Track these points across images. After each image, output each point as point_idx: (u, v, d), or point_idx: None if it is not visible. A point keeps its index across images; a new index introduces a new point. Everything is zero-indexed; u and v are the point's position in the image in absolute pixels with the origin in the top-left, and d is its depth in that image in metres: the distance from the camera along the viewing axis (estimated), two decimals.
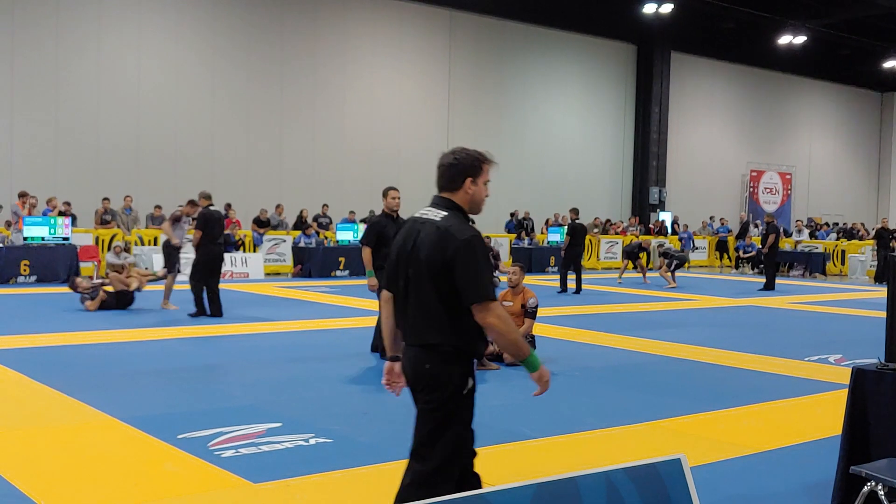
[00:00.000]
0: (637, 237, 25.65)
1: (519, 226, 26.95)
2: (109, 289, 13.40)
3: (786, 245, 28.91)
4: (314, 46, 25.88)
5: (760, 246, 21.39)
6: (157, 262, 17.08)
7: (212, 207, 12.88)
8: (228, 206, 21.47)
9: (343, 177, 26.31)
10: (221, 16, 24.29)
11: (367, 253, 9.43)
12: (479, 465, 5.51)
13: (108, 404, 6.81)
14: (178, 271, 13.97)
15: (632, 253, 21.72)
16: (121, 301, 13.35)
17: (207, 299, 12.67)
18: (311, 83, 25.83)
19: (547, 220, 27.39)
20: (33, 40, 21.54)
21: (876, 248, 25.45)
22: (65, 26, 21.90)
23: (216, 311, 12.65)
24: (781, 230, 28.43)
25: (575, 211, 19.02)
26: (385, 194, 9.65)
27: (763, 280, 20.64)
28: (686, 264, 22.76)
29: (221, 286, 13.20)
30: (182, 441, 5.83)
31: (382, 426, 6.50)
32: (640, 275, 21.51)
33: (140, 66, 23.06)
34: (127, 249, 19.24)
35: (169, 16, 23.43)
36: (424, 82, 28.33)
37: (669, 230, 30.69)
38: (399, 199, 9.65)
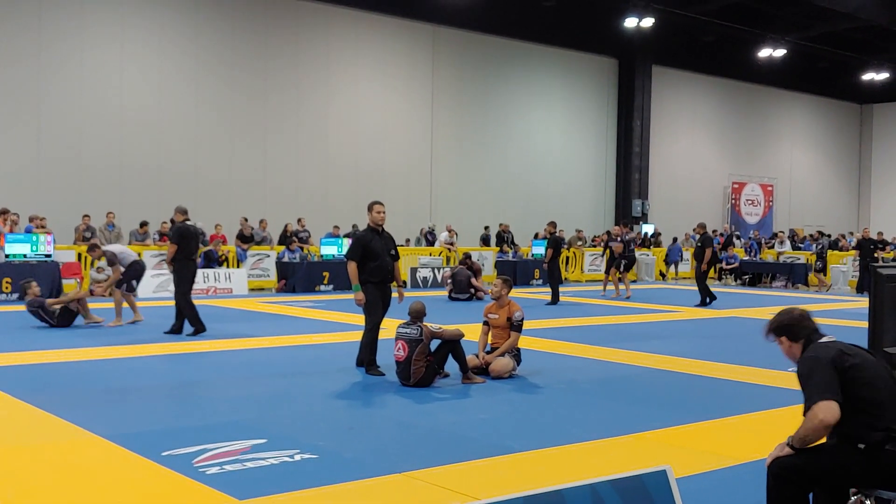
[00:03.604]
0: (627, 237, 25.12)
1: (500, 239, 26.96)
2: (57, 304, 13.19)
3: (768, 256, 29.08)
4: (297, 60, 25.91)
5: (697, 261, 19.35)
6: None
7: (188, 222, 12.63)
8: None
9: (327, 191, 26.30)
10: (204, 31, 24.29)
11: (352, 267, 9.41)
12: (465, 479, 5.51)
13: (90, 422, 6.76)
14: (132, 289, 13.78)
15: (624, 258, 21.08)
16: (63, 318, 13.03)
17: (175, 314, 12.33)
18: (294, 97, 25.85)
19: (536, 234, 27.43)
20: (15, 55, 21.46)
21: (858, 258, 25.62)
22: (47, 41, 21.84)
23: (177, 328, 12.31)
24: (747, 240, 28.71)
25: (553, 224, 19.48)
26: (370, 209, 9.65)
27: (747, 289, 20.74)
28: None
29: (205, 301, 13.09)
30: (166, 458, 5.79)
31: (368, 441, 6.48)
32: (616, 286, 20.85)
33: (123, 81, 23.00)
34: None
35: (152, 30, 23.40)
36: (408, 96, 28.39)
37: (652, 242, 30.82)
38: (384, 213, 9.66)
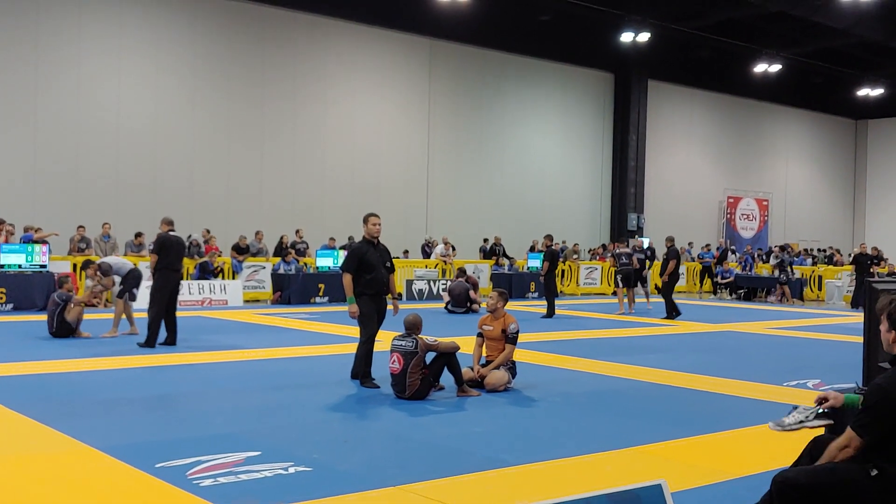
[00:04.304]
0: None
1: (491, 252, 26.97)
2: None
3: (763, 271, 29.12)
4: (294, 73, 25.97)
5: (660, 273, 19.18)
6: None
7: (171, 233, 12.53)
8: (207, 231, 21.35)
9: (323, 203, 26.31)
10: (201, 41, 24.34)
11: (347, 279, 9.40)
12: (460, 493, 5.50)
13: (84, 433, 6.73)
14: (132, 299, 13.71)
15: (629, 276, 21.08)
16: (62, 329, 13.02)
17: (165, 327, 12.28)
18: (291, 109, 25.89)
19: (532, 246, 27.47)
20: (12, 65, 21.48)
21: (854, 273, 25.68)
22: (44, 51, 21.86)
23: (171, 340, 12.28)
24: (728, 252, 28.57)
25: (550, 237, 19.44)
26: (365, 221, 9.65)
27: (742, 304, 20.63)
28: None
29: (200, 313, 13.04)
30: (160, 470, 5.77)
31: (362, 454, 6.46)
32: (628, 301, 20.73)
33: (119, 91, 23.03)
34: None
35: (149, 41, 23.45)
36: (404, 109, 28.45)
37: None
38: (379, 225, 9.65)
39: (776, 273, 26.63)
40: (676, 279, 19.16)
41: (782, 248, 30.59)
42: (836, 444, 3.99)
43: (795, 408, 4.45)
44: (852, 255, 28.70)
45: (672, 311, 18.65)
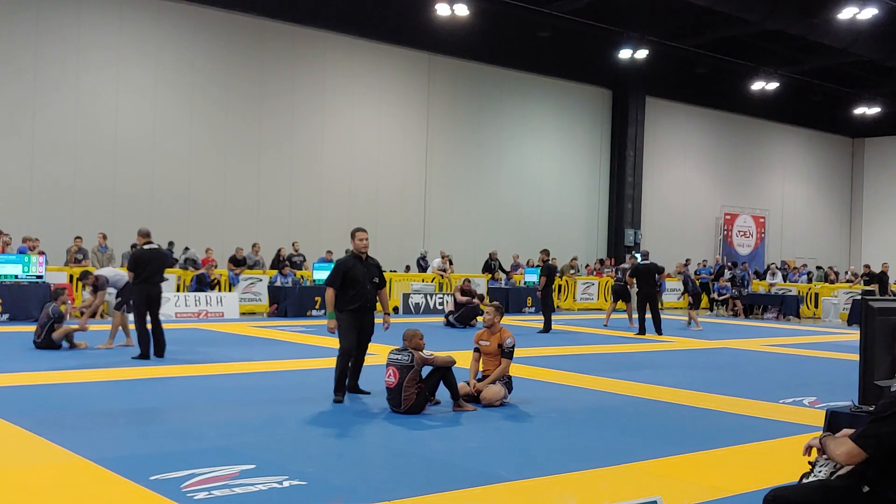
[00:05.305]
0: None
1: (487, 267, 26.95)
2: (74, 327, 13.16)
3: (760, 288, 29.14)
4: (293, 86, 26.01)
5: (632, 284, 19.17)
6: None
7: (147, 246, 12.41)
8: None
9: (320, 216, 26.31)
10: (200, 54, 24.38)
11: (330, 294, 9.35)
12: None
13: (78, 444, 6.71)
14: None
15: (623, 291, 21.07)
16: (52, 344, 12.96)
17: (153, 339, 12.29)
18: (289, 123, 25.92)
19: (528, 261, 27.45)
20: (11, 76, 21.49)
21: (878, 290, 25.89)
22: (43, 63, 21.89)
23: (158, 352, 12.26)
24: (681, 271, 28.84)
25: (546, 252, 19.40)
26: (353, 236, 9.57)
27: (738, 320, 20.65)
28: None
29: (196, 325, 13.02)
30: (154, 483, 5.74)
31: (357, 469, 6.44)
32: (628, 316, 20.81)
33: (118, 103, 23.05)
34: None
35: (148, 53, 23.49)
36: (403, 124, 28.50)
37: None
38: (367, 240, 9.57)
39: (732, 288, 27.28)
40: (645, 296, 18.71)
41: (734, 264, 30.91)
42: (834, 442, 3.92)
43: (813, 466, 4.30)
44: (846, 272, 28.80)
45: (640, 327, 18.58)
